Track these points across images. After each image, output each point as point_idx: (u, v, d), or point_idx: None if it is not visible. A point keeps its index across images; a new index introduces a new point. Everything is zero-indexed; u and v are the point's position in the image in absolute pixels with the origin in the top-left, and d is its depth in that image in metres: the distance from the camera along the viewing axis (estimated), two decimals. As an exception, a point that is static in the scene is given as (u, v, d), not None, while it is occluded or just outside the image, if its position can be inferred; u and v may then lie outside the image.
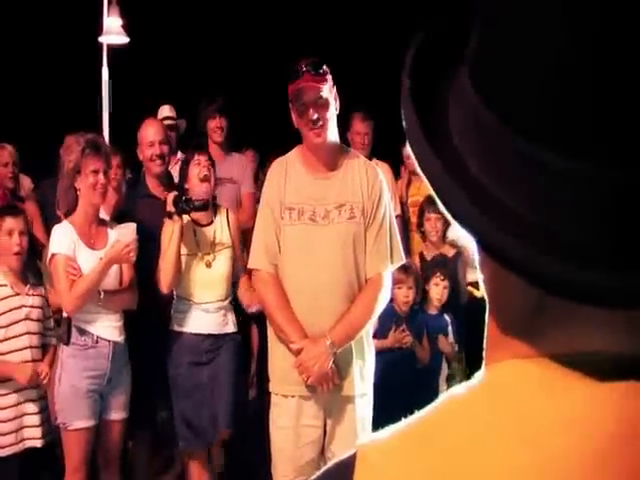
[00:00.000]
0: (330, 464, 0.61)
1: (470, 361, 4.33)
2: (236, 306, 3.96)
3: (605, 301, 0.50)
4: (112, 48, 7.67)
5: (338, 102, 3.19)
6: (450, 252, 4.93)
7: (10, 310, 3.63)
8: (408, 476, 0.54)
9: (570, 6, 0.50)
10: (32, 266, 3.89)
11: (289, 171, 3.21)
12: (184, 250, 3.82)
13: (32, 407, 3.65)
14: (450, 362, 4.55)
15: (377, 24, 8.90)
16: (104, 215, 3.95)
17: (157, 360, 3.88)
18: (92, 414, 3.61)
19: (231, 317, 3.92)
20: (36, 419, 3.64)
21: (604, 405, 0.52)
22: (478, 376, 0.58)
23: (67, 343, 3.60)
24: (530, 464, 0.51)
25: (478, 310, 0.62)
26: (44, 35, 9.53)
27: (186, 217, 3.81)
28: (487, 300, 0.60)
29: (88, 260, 3.60)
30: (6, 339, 3.62)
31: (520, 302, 0.56)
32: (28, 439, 3.62)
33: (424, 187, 5.68)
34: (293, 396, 3.15)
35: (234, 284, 3.92)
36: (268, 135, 6.65)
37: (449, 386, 3.95)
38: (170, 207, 3.78)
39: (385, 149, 5.63)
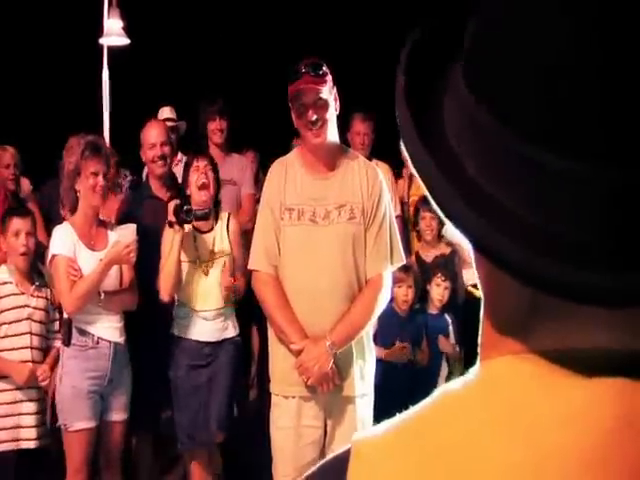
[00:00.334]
0: (326, 459, 0.62)
1: (468, 360, 4.33)
2: (238, 307, 3.95)
3: (604, 302, 0.50)
4: (112, 50, 7.68)
5: (338, 103, 3.19)
6: (446, 251, 4.94)
7: (14, 308, 3.65)
8: (402, 471, 0.54)
9: (569, 7, 0.50)
10: (37, 268, 3.90)
11: (289, 172, 3.21)
12: (183, 257, 3.81)
13: (29, 407, 3.65)
14: (450, 362, 4.56)
15: (377, 24, 8.89)
16: (106, 218, 3.96)
17: (159, 360, 3.89)
18: (93, 415, 3.61)
19: (231, 322, 3.91)
20: (32, 420, 3.65)
21: (600, 401, 0.51)
22: (472, 372, 0.58)
23: (68, 344, 3.60)
24: (525, 460, 0.51)
25: (477, 310, 0.63)
26: (44, 37, 9.52)
27: (187, 226, 3.79)
28: (482, 298, 0.60)
29: (88, 261, 3.61)
30: (7, 336, 3.63)
31: (515, 301, 0.56)
32: (23, 440, 3.62)
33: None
34: (294, 397, 3.15)
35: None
36: (269, 136, 6.64)
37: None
38: (171, 217, 3.77)
39: (385, 149, 5.62)
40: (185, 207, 3.72)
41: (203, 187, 3.81)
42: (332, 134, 3.17)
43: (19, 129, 6.87)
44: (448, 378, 4.39)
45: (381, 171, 3.39)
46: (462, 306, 4.70)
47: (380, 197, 3.19)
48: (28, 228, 3.74)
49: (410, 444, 0.55)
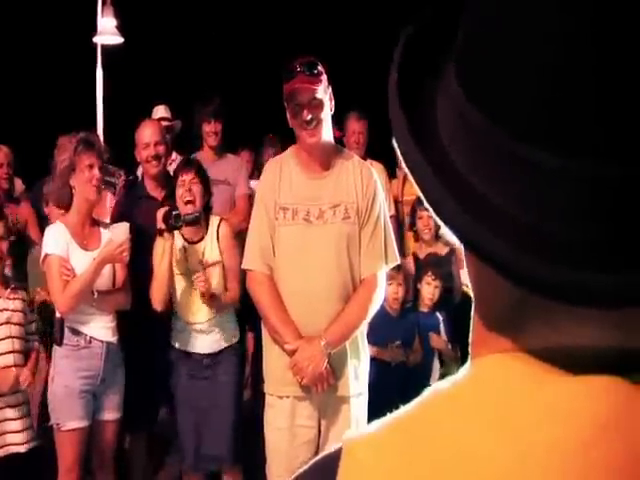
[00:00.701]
0: (317, 458, 0.62)
1: (464, 360, 4.34)
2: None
3: (597, 303, 0.50)
4: (106, 48, 7.67)
5: (333, 102, 3.19)
6: (443, 250, 4.96)
7: None
8: (393, 469, 0.54)
9: (563, 5, 0.50)
10: (21, 268, 3.88)
11: (283, 171, 3.21)
12: (175, 270, 3.76)
13: (13, 413, 3.64)
14: (444, 360, 4.57)
15: (372, 24, 8.90)
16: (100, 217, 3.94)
17: (154, 361, 3.88)
18: (85, 414, 3.60)
19: (230, 330, 3.86)
20: (18, 425, 3.64)
21: (588, 399, 0.51)
22: (463, 370, 0.58)
23: (60, 344, 3.59)
24: (513, 457, 0.51)
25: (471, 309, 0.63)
26: (38, 35, 9.51)
27: (177, 233, 3.75)
28: (473, 296, 0.61)
29: (81, 260, 3.59)
30: None
31: (504, 299, 0.56)
32: (10, 445, 3.61)
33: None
34: (288, 397, 3.15)
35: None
36: (264, 135, 6.64)
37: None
38: (160, 224, 3.72)
39: (379, 149, 5.64)
40: (173, 212, 3.67)
41: (188, 203, 3.78)
42: (327, 134, 3.17)
43: (12, 128, 6.86)
44: (442, 377, 4.40)
45: (375, 171, 3.39)
46: (459, 305, 4.72)
47: (375, 197, 3.19)
48: (0, 233, 3.71)
49: (401, 443, 0.55)
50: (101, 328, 3.65)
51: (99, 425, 3.71)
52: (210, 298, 3.66)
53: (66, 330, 3.60)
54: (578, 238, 0.50)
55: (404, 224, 5.62)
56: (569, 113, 0.50)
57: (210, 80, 8.28)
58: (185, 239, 3.81)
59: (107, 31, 7.37)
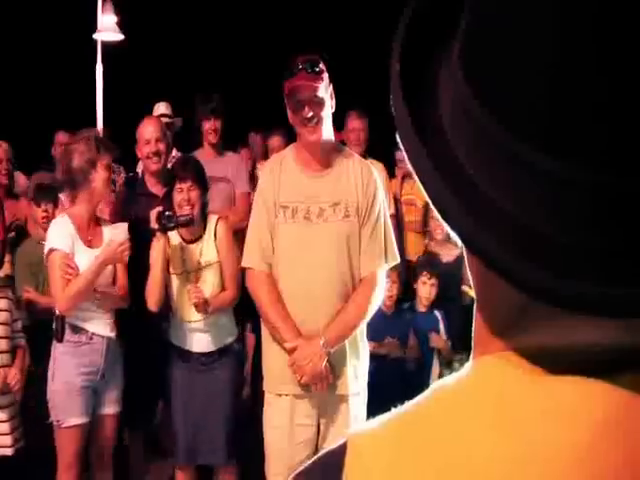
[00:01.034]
0: (321, 453, 0.62)
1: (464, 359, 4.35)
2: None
3: (594, 313, 0.50)
4: (107, 45, 7.66)
5: (334, 100, 3.18)
6: (455, 251, 4.96)
7: None
8: (397, 465, 0.55)
9: (565, 5, 0.49)
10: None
11: (283, 169, 3.20)
12: (172, 269, 3.75)
13: (2, 415, 3.63)
14: (444, 359, 4.57)
15: (373, 25, 8.88)
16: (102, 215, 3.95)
17: (151, 358, 3.88)
18: (86, 411, 3.60)
19: (228, 328, 3.85)
20: (7, 427, 3.63)
21: (589, 398, 0.52)
22: (465, 370, 0.58)
23: (61, 340, 3.58)
24: (514, 455, 0.51)
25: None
26: (39, 32, 9.51)
27: (173, 233, 3.73)
28: (475, 297, 0.61)
29: (84, 258, 3.58)
30: None
31: (506, 300, 0.56)
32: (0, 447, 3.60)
33: (417, 186, 5.70)
34: (287, 395, 3.15)
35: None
36: (265, 132, 6.64)
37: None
38: (154, 224, 3.69)
39: (378, 151, 5.66)
40: (166, 213, 3.65)
41: (185, 205, 3.75)
42: (327, 132, 3.16)
43: (13, 124, 6.86)
44: (441, 376, 4.40)
45: (375, 170, 3.39)
46: (469, 306, 4.72)
47: (375, 195, 3.18)
48: None
49: (405, 438, 0.56)
50: (102, 324, 3.64)
51: (99, 420, 3.69)
52: (204, 308, 3.64)
53: (67, 326, 3.59)
54: (579, 246, 0.50)
55: (403, 223, 5.65)
56: (570, 116, 0.49)
57: (210, 77, 8.27)
58: (182, 238, 3.80)
59: (107, 28, 7.37)
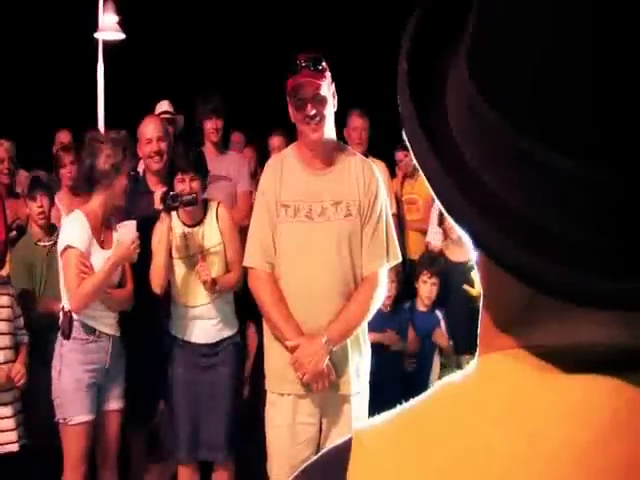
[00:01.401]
0: (326, 449, 0.62)
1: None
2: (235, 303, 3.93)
3: (602, 306, 0.50)
4: (108, 44, 7.67)
5: (336, 99, 3.18)
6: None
7: None
8: (403, 460, 0.55)
9: (564, 5, 0.50)
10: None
11: (285, 168, 3.20)
12: (174, 254, 3.78)
13: (6, 411, 3.62)
14: (445, 358, 4.57)
15: (374, 24, 8.88)
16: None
17: (154, 357, 3.88)
18: (92, 408, 3.60)
19: (229, 320, 3.86)
20: (11, 423, 3.63)
21: (598, 396, 0.52)
22: (471, 367, 0.58)
23: (68, 337, 3.58)
24: (522, 452, 0.51)
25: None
26: (40, 31, 9.51)
27: (174, 219, 3.75)
28: (482, 294, 0.60)
29: (99, 258, 3.58)
30: None
31: (514, 297, 0.56)
32: (3, 444, 3.60)
33: (418, 185, 5.73)
34: (289, 394, 3.15)
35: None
36: (266, 131, 6.64)
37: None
38: (158, 205, 3.74)
39: (379, 151, 5.67)
40: (171, 193, 3.69)
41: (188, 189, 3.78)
42: (330, 130, 3.16)
43: (14, 124, 6.86)
44: (442, 375, 4.40)
45: (377, 169, 3.38)
46: (471, 307, 4.72)
47: (377, 194, 3.18)
48: None
49: (411, 434, 0.56)
50: (108, 323, 3.66)
51: (103, 416, 3.69)
52: (212, 285, 3.68)
53: (75, 324, 3.58)
54: (584, 241, 0.50)
55: (404, 222, 5.65)
56: (567, 114, 0.50)
57: (212, 76, 8.27)
58: (184, 223, 3.82)
59: (108, 27, 7.37)
